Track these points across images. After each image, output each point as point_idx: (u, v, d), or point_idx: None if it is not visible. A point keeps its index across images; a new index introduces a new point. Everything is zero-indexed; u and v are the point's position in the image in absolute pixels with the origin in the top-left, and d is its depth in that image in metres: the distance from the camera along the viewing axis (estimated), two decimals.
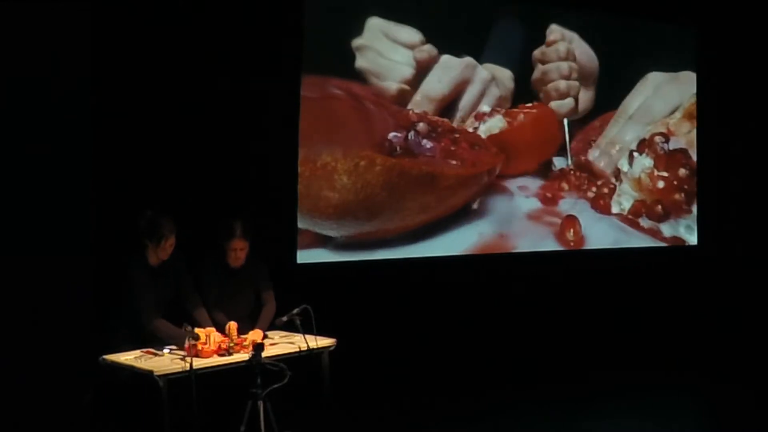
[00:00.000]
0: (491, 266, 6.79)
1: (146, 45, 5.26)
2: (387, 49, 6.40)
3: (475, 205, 6.82)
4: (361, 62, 6.28)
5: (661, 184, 7.92)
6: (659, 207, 7.92)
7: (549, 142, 7.36)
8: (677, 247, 7.87)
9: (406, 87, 6.52)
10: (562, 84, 7.35)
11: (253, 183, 5.68)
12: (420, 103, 6.56)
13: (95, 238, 4.84)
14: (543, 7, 7.25)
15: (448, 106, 6.73)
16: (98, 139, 4.95)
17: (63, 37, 4.65)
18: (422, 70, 6.60)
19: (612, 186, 7.69)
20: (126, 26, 5.18)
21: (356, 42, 6.27)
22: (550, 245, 7.17)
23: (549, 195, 7.23)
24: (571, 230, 7.33)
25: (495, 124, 6.95)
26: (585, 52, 7.53)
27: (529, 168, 7.20)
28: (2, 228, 4.50)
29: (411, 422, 5.63)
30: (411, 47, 6.53)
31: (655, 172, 7.92)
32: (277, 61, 5.83)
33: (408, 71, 6.53)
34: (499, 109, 6.98)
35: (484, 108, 6.91)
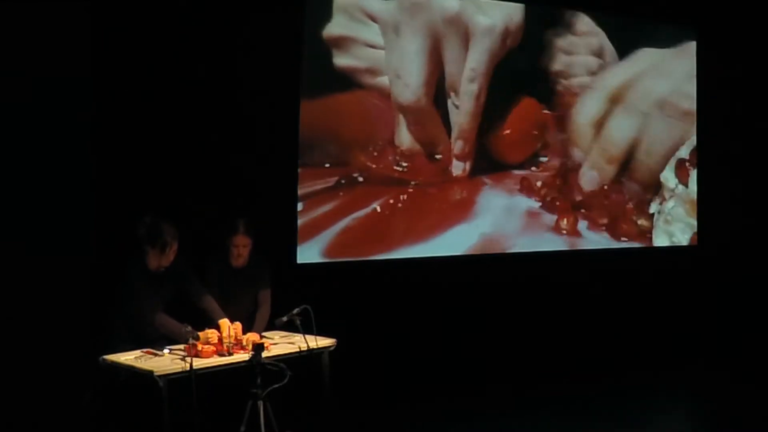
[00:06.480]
0: (491, 266, 6.79)
1: (146, 46, 5.26)
2: None
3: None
4: None
5: None
6: None
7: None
8: (676, 247, 7.83)
9: None
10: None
11: (254, 183, 5.68)
12: None
13: (95, 238, 4.84)
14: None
15: None
16: (98, 139, 4.96)
17: (63, 37, 4.66)
18: None
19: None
20: (126, 27, 5.18)
21: None
22: (549, 243, 7.13)
23: (549, 197, 7.15)
24: (565, 220, 7.05)
25: None
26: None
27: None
28: (3, 228, 4.51)
29: (411, 422, 5.63)
30: None
31: None
32: (278, 62, 5.83)
33: None
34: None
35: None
